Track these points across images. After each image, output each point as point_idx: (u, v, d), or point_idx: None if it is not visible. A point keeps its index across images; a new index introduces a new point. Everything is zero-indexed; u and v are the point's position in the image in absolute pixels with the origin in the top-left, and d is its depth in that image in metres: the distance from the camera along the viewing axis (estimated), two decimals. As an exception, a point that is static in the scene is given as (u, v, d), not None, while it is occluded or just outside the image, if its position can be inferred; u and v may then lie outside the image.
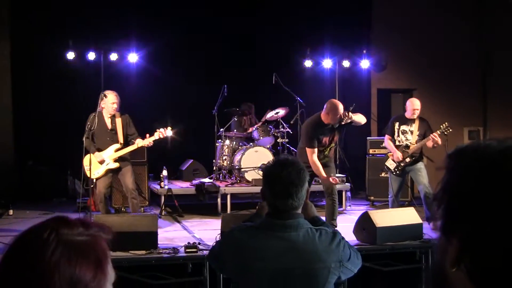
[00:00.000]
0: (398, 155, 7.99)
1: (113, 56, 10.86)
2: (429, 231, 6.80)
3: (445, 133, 7.92)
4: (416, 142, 7.99)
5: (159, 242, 6.21)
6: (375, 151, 10.42)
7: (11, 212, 8.87)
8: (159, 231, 6.45)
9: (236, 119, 10.57)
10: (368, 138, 10.74)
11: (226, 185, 9.35)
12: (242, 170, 9.55)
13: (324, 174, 7.10)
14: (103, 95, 7.64)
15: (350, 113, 7.11)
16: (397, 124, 8.17)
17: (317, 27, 11.75)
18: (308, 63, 11.77)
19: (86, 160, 7.59)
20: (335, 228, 6.05)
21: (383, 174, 9.58)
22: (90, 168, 7.55)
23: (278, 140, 9.99)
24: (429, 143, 7.86)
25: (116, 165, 7.69)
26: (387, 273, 6.46)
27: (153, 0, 11.43)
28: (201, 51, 11.43)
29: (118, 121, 7.78)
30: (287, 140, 9.97)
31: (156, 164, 9.71)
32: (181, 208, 8.98)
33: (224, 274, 5.00)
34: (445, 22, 12.54)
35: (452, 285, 0.97)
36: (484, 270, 0.92)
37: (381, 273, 6.44)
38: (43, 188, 10.56)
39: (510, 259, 0.90)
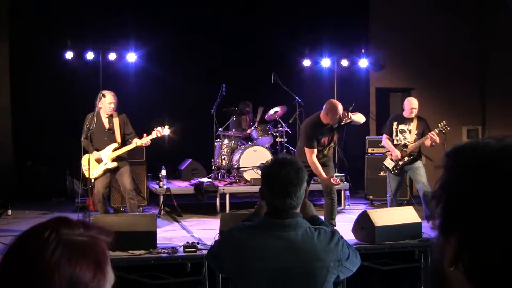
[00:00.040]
0: (397, 153, 7.99)
1: (112, 56, 10.86)
2: (429, 230, 6.82)
3: (443, 131, 7.92)
4: (414, 141, 7.99)
5: (158, 242, 6.22)
6: (373, 150, 10.43)
7: (10, 212, 8.86)
8: (158, 230, 6.46)
9: (234, 119, 10.57)
10: (366, 137, 10.75)
11: (225, 185, 9.35)
12: (241, 169, 9.54)
13: (324, 175, 7.06)
14: (101, 94, 7.63)
15: (349, 113, 7.10)
16: (395, 124, 8.17)
17: (315, 26, 11.75)
18: (306, 62, 11.78)
19: (84, 160, 7.58)
20: (334, 228, 6.05)
21: (382, 173, 9.58)
22: (88, 168, 7.54)
23: (276, 140, 9.98)
24: (427, 142, 7.87)
25: (114, 164, 7.68)
26: (386, 272, 6.46)
27: (152, 0, 11.42)
28: (200, 50, 11.42)
29: (116, 120, 7.77)
30: (285, 139, 9.97)
31: (155, 164, 9.71)
32: (180, 207, 8.98)
33: (223, 273, 4.99)
34: (445, 22, 12.55)
35: (450, 284, 0.97)
36: (483, 269, 0.92)
37: (380, 272, 6.44)
38: (42, 188, 10.55)
39: (508, 258, 0.90)
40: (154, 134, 7.74)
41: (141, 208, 9.05)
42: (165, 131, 7.81)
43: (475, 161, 0.96)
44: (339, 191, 9.04)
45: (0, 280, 1.19)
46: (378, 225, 6.36)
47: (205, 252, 5.81)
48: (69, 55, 10.65)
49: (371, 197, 10.32)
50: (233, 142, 10.06)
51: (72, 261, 1.19)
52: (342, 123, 7.17)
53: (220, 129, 10.05)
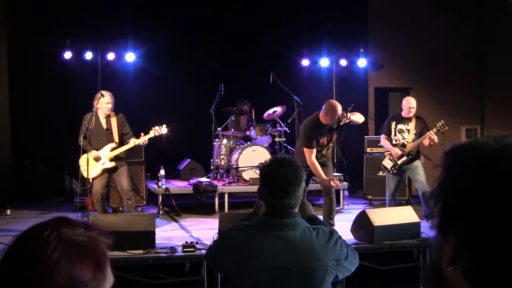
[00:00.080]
0: (396, 150, 7.99)
1: (110, 56, 10.86)
2: (428, 230, 6.82)
3: (441, 131, 7.92)
4: (413, 141, 7.99)
5: (156, 242, 6.22)
6: (372, 150, 10.42)
7: (8, 212, 8.86)
8: (157, 230, 6.46)
9: (233, 118, 10.56)
10: (365, 137, 10.75)
11: (224, 184, 9.35)
12: (240, 169, 9.54)
13: (324, 176, 7.03)
14: (100, 94, 7.63)
15: (348, 114, 7.09)
16: (393, 123, 8.17)
17: (314, 26, 11.76)
18: (305, 62, 11.78)
19: (82, 160, 7.59)
20: (333, 227, 6.05)
21: (380, 173, 9.57)
22: (87, 168, 7.53)
23: (275, 139, 9.98)
24: (426, 142, 7.87)
25: (112, 164, 7.68)
26: (384, 272, 6.47)
27: (152, 0, 11.41)
28: (199, 50, 11.42)
29: (113, 120, 7.78)
30: (284, 139, 9.97)
31: (154, 164, 9.71)
32: (179, 207, 8.98)
33: (221, 273, 4.99)
34: (445, 22, 12.55)
35: (449, 284, 0.96)
36: (481, 268, 0.92)
37: (379, 272, 6.45)
38: (40, 188, 10.55)
39: (507, 258, 0.90)
40: (152, 133, 7.74)
41: (139, 208, 9.05)
42: (163, 130, 7.81)
43: (474, 161, 0.96)
44: (337, 191, 9.04)
45: (0, 278, 1.19)
46: (377, 225, 6.36)
47: (203, 252, 5.81)
48: (67, 55, 10.65)
49: (369, 196, 10.32)
50: (231, 141, 10.07)
51: (72, 260, 1.19)
52: (341, 124, 7.16)
53: (218, 128, 10.05)
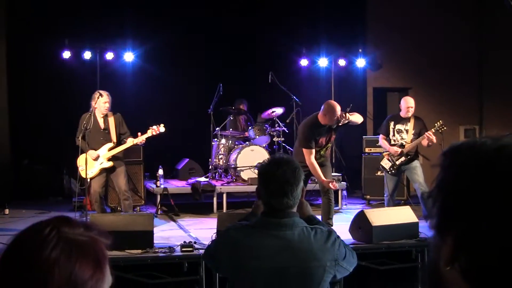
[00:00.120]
0: (395, 148, 8.00)
1: (109, 55, 10.85)
2: (426, 230, 6.81)
3: (440, 131, 7.93)
4: (412, 141, 7.99)
5: (155, 241, 6.21)
6: (371, 150, 10.42)
7: (7, 211, 8.85)
8: (155, 230, 6.46)
9: (231, 118, 10.56)
10: (364, 137, 10.75)
11: (222, 184, 9.35)
12: (238, 169, 9.54)
13: (322, 177, 7.02)
14: (98, 94, 7.63)
15: (347, 114, 7.09)
16: (392, 124, 8.17)
17: (312, 26, 11.76)
18: (304, 62, 11.78)
19: (80, 160, 7.58)
20: (331, 227, 6.05)
21: (379, 173, 9.58)
22: (85, 168, 7.53)
23: (274, 139, 9.99)
24: (424, 142, 7.87)
25: (110, 164, 7.68)
26: (383, 272, 6.47)
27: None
28: (198, 50, 11.42)
29: (111, 120, 7.78)
30: (283, 139, 9.97)
31: (152, 163, 9.69)
32: (177, 207, 8.98)
33: (220, 273, 4.99)
34: (445, 22, 12.55)
35: (447, 284, 0.96)
36: (479, 268, 0.92)
37: (377, 272, 6.45)
38: (39, 187, 10.54)
39: (505, 258, 0.90)
40: (149, 133, 7.75)
41: (138, 208, 9.05)
42: (161, 129, 7.82)
43: (472, 161, 0.96)
44: (336, 191, 9.03)
45: (0, 275, 1.19)
46: (375, 225, 6.36)
47: (202, 251, 5.81)
48: (66, 54, 10.64)
49: (368, 196, 10.32)
50: (230, 141, 10.06)
51: (72, 259, 1.19)
52: (340, 124, 7.16)
53: (217, 128, 10.05)
